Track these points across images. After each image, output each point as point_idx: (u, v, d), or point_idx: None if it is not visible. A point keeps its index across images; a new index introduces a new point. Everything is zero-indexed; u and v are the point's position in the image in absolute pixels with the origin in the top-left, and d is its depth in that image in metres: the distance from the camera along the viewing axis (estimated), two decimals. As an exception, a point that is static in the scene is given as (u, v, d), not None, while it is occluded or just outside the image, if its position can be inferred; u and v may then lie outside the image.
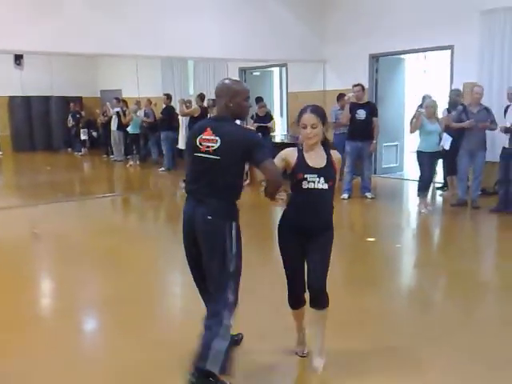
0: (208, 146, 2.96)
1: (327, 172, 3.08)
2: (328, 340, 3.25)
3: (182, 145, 11.11)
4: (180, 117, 11.48)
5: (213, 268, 2.98)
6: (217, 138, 2.95)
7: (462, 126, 7.29)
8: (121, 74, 16.14)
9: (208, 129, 3.00)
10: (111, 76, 17.15)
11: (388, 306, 4.32)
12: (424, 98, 8.44)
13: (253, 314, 3.76)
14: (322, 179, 3.05)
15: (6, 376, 3.23)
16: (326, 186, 3.06)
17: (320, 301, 3.11)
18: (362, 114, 8.23)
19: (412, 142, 10.92)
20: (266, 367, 3.32)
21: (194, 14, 9.03)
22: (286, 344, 3.44)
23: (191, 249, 3.06)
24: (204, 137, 2.99)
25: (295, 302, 3.24)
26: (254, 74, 13.06)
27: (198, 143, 3.00)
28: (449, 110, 8.01)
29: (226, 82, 3.12)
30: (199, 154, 2.99)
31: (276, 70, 13.30)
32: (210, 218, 2.93)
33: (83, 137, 15.80)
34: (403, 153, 11.09)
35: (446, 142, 7.27)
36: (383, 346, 3.53)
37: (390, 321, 4.00)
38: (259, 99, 10.01)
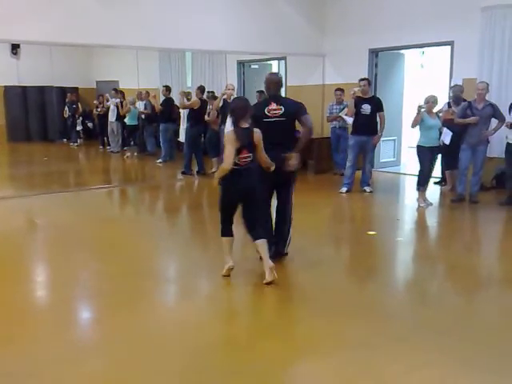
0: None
1: None
2: (329, 328, 3.69)
3: (183, 137, 11.10)
4: (181, 109, 11.46)
5: None
6: (281, 107, 4.84)
7: (467, 122, 7.35)
8: (118, 65, 16.05)
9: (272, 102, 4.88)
10: (107, 67, 17.04)
11: (389, 299, 4.37)
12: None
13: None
14: None
15: (9, 370, 3.25)
16: None
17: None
18: (367, 108, 8.26)
19: (410, 137, 11.04)
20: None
21: (193, 6, 9.02)
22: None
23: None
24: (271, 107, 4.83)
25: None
26: (253, 67, 13.04)
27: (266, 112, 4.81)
28: (449, 105, 8.06)
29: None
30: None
31: (275, 63, 13.28)
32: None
33: (78, 127, 15.72)
34: (401, 147, 11.15)
35: (447, 137, 7.32)
36: (384, 337, 3.58)
37: (390, 313, 4.05)
38: (261, 92, 10.04)
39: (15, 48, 15.91)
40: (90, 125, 16.10)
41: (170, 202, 8.87)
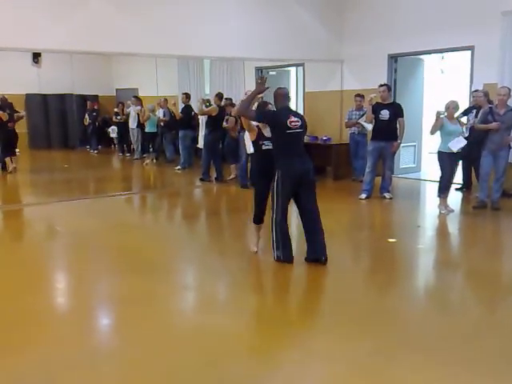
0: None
1: None
2: (347, 335, 3.58)
3: (201, 144, 11.14)
4: (200, 116, 11.52)
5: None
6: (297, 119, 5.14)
7: (488, 128, 7.26)
8: (137, 73, 16.22)
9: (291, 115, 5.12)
10: (127, 74, 17.22)
11: (409, 307, 4.32)
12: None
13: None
14: None
15: (25, 374, 3.27)
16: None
17: None
18: (385, 114, 8.20)
19: (430, 143, 10.94)
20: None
21: (211, 14, 9.06)
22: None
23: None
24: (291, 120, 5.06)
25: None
26: (271, 73, 13.03)
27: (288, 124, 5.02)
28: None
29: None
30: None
31: (293, 69, 13.27)
32: None
33: (112, 134, 15.77)
34: (421, 153, 11.04)
35: (457, 144, 7.12)
36: (403, 347, 3.53)
37: (410, 322, 3.99)
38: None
39: (36, 57, 16.16)
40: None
41: (188, 209, 8.88)
